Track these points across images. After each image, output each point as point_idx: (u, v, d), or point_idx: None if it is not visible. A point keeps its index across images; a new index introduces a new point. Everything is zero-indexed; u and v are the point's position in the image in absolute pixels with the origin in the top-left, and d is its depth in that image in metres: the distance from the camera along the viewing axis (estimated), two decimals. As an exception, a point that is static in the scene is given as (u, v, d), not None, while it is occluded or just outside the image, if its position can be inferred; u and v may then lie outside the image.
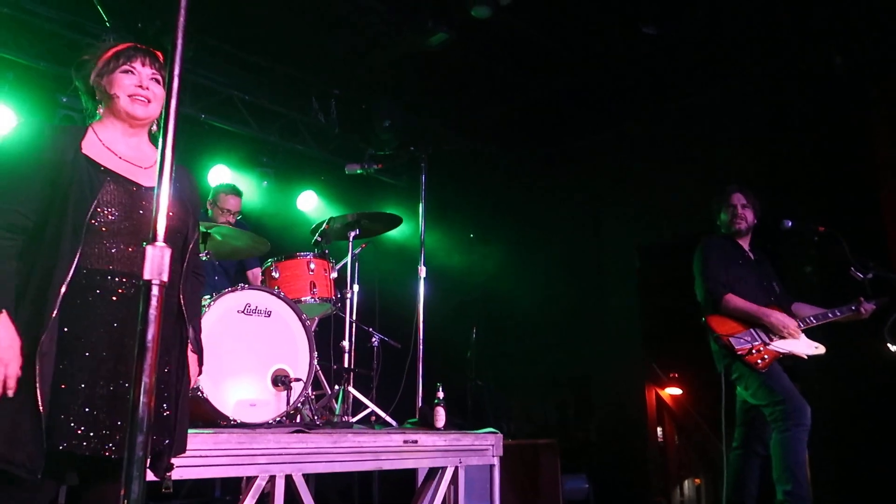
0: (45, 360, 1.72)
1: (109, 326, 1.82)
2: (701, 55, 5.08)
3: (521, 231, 7.02)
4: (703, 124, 5.71)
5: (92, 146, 1.95)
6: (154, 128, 2.11)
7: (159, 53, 2.07)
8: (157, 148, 1.98)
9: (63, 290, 1.76)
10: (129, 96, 1.98)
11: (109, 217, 1.86)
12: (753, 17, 4.71)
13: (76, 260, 1.79)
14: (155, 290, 1.25)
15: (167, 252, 1.27)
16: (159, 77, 2.02)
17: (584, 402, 6.46)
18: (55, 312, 1.74)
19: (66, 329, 1.78)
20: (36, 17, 4.67)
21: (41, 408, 1.69)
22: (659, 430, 6.30)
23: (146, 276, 1.25)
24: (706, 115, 5.69)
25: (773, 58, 5.12)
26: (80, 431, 1.73)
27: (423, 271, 4.35)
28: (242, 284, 3.46)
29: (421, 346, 4.24)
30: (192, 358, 2.12)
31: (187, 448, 2.06)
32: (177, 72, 1.36)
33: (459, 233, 6.93)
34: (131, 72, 1.99)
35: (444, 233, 6.59)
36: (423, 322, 4.25)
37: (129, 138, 2.04)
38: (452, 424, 3.79)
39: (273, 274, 3.96)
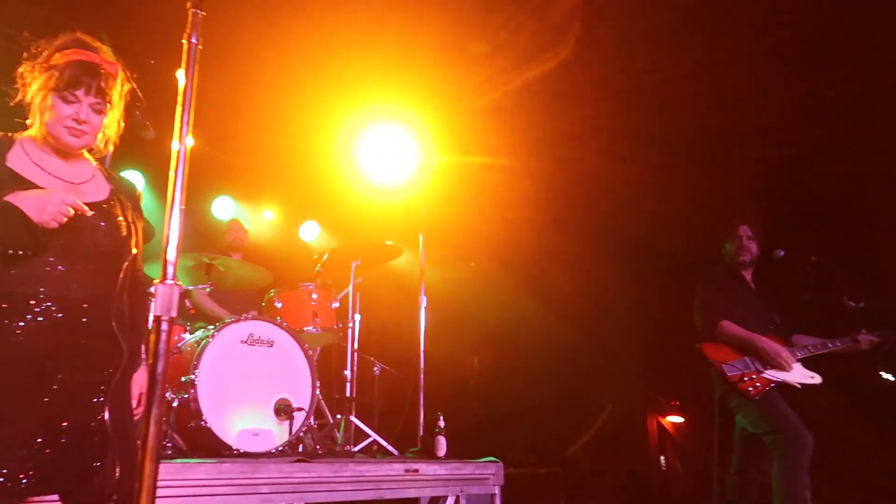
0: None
1: (38, 355, 1.68)
2: None
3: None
4: None
5: (18, 160, 1.81)
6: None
7: (112, 68, 1.90)
8: (91, 161, 1.96)
9: None
10: (66, 127, 1.82)
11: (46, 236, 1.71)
12: None
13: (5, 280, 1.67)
14: (164, 326, 1.31)
15: (176, 289, 1.33)
16: (102, 106, 1.86)
17: (585, 430, 6.46)
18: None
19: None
20: None
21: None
22: (662, 458, 6.29)
23: (156, 313, 1.31)
24: None
25: None
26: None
27: (424, 301, 4.40)
28: (246, 314, 3.52)
29: (422, 376, 4.28)
30: (136, 380, 1.93)
31: (192, 478, 2.08)
32: (186, 113, 1.43)
33: (461, 261, 6.99)
34: (72, 101, 1.82)
35: (445, 261, 6.66)
36: (425, 351, 4.30)
37: (63, 159, 1.90)
38: (453, 453, 3.82)
39: (276, 304, 4.02)
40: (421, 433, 4.18)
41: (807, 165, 5.12)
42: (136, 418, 1.89)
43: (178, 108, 1.43)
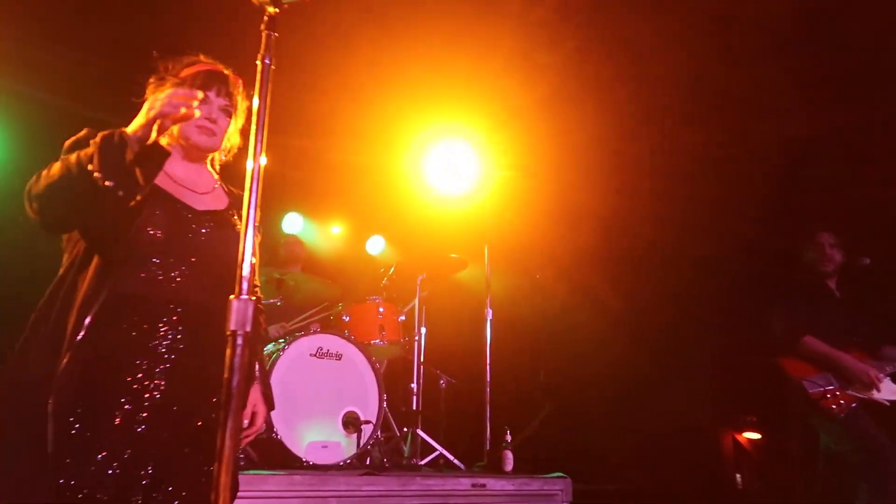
0: (64, 389, 1.55)
1: (154, 356, 1.67)
2: None
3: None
4: None
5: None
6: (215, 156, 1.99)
7: (236, 80, 1.95)
8: (213, 174, 2.00)
9: (94, 311, 1.60)
10: (197, 126, 1.85)
11: (156, 238, 1.71)
12: None
13: (110, 281, 1.65)
14: (239, 340, 1.34)
15: (251, 305, 1.36)
16: (230, 109, 1.92)
17: (656, 446, 6.27)
18: (81, 334, 1.59)
19: (93, 355, 1.59)
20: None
21: (49, 445, 1.51)
22: (738, 476, 6.05)
23: (232, 328, 1.34)
24: None
25: None
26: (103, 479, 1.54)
27: (489, 314, 4.39)
28: (315, 328, 3.58)
29: (488, 389, 4.25)
30: (255, 396, 1.96)
31: (264, 489, 2.11)
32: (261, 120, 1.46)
33: (526, 273, 6.94)
34: (203, 102, 1.80)
35: (510, 274, 6.62)
36: (491, 364, 4.27)
37: (188, 163, 1.92)
38: (520, 468, 3.77)
39: (343, 317, 4.08)
40: (487, 447, 4.15)
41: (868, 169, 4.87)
42: (245, 439, 1.91)
43: (252, 128, 1.46)
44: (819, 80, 4.61)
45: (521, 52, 4.69)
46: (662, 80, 4.84)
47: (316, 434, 3.37)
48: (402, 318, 4.23)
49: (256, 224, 1.42)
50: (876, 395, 3.41)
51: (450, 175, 5.45)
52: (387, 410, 3.79)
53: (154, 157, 1.65)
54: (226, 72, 1.95)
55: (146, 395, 1.64)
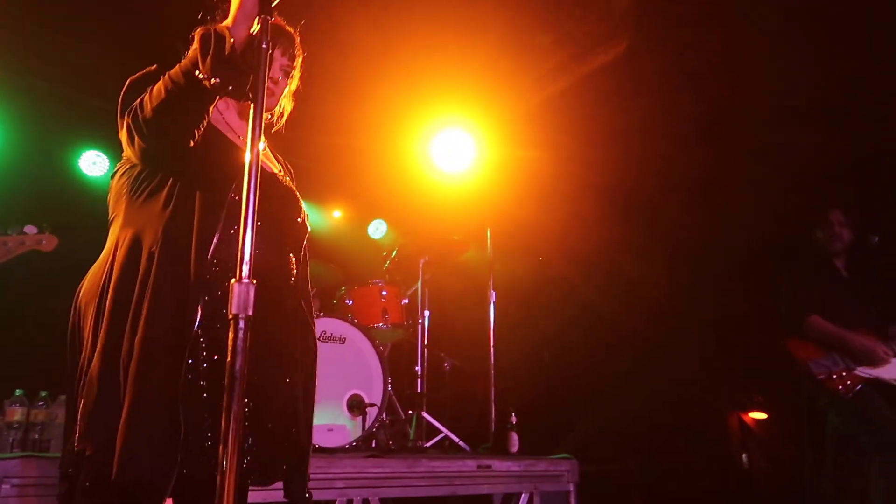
0: (186, 364, 1.52)
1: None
2: None
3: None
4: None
5: (215, 119, 1.76)
6: None
7: (296, 38, 1.88)
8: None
9: (206, 278, 1.57)
10: None
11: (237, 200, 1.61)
12: None
13: (212, 249, 1.59)
14: (241, 324, 1.32)
15: (252, 288, 1.34)
16: (290, 70, 1.86)
17: (662, 426, 6.28)
18: (199, 308, 1.55)
19: (215, 322, 1.56)
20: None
21: (182, 423, 1.49)
22: (744, 456, 6.06)
23: (234, 311, 1.32)
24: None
25: None
26: (209, 450, 1.52)
27: (493, 296, 4.37)
28: (318, 312, 3.57)
29: (492, 371, 4.25)
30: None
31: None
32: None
33: (529, 254, 6.92)
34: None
35: (513, 256, 6.60)
36: (495, 346, 4.27)
37: (242, 120, 1.87)
38: (526, 450, 3.78)
39: (346, 301, 4.07)
40: (493, 429, 4.15)
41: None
42: None
43: (251, 113, 1.43)
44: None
45: (515, 29, 4.63)
46: (662, 44, 4.76)
47: (321, 417, 3.37)
48: (406, 301, 4.22)
49: (255, 208, 1.39)
50: (885, 374, 3.40)
51: (451, 157, 5.41)
52: (391, 393, 3.79)
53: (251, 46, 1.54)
54: (289, 29, 1.88)
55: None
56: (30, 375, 3.18)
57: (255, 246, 1.54)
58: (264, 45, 1.47)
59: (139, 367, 1.51)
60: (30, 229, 2.42)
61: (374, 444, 3.61)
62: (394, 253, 4.39)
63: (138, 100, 1.59)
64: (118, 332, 1.55)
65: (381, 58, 4.64)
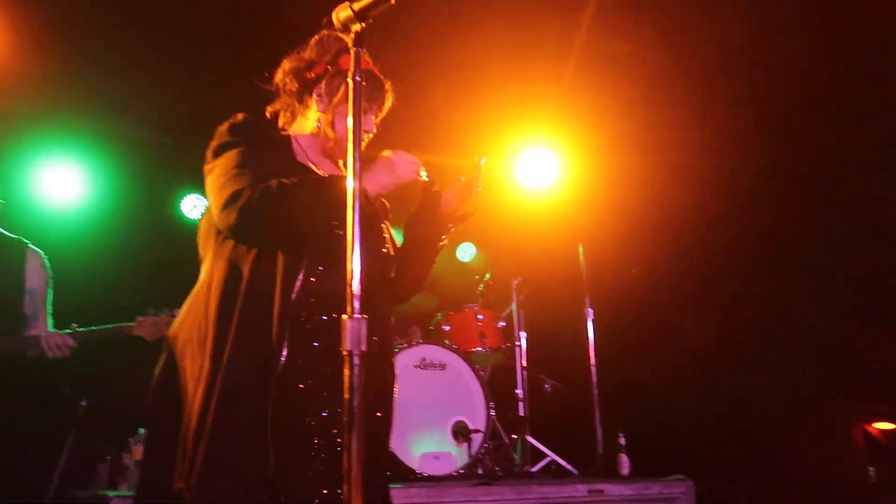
0: (276, 393, 1.56)
1: (327, 366, 1.63)
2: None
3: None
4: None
5: (301, 157, 1.82)
6: None
7: (389, 91, 1.91)
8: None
9: (290, 314, 1.60)
10: None
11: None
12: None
13: (297, 285, 1.62)
14: (356, 360, 1.33)
15: (364, 323, 1.35)
16: (377, 116, 1.91)
17: (780, 441, 5.93)
18: (286, 346, 1.58)
19: (287, 362, 1.58)
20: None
21: (270, 456, 1.53)
22: (871, 469, 5.62)
23: (347, 348, 1.33)
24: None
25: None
26: (299, 483, 1.56)
27: (590, 313, 4.27)
28: (417, 340, 3.59)
29: (595, 391, 4.13)
30: None
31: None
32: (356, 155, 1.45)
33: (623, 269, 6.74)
34: (366, 110, 1.82)
35: (608, 270, 6.45)
36: (597, 365, 4.16)
37: (327, 159, 1.90)
38: (637, 472, 3.64)
39: (443, 327, 4.07)
40: (600, 451, 4.03)
41: None
42: None
43: (350, 146, 1.45)
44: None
45: (594, 44, 4.56)
46: (761, 64, 4.60)
47: (427, 445, 3.37)
48: (502, 323, 4.18)
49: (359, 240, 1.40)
50: None
51: (535, 175, 5.37)
52: (494, 418, 3.74)
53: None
54: (379, 75, 1.89)
55: (324, 408, 1.63)
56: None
57: (342, 279, 1.57)
58: (357, 78, 1.49)
59: (227, 404, 1.54)
60: (177, 312, 2.64)
61: (480, 471, 3.57)
62: (486, 276, 4.37)
63: (246, 190, 1.60)
64: (210, 369, 1.59)
65: (464, 79, 4.68)
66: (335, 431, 1.62)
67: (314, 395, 1.63)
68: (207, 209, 1.82)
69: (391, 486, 2.63)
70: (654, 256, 6.67)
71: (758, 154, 5.32)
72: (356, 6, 1.48)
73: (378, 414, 1.75)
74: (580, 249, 4.46)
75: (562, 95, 5.02)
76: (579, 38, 4.59)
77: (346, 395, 1.31)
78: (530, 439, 4.01)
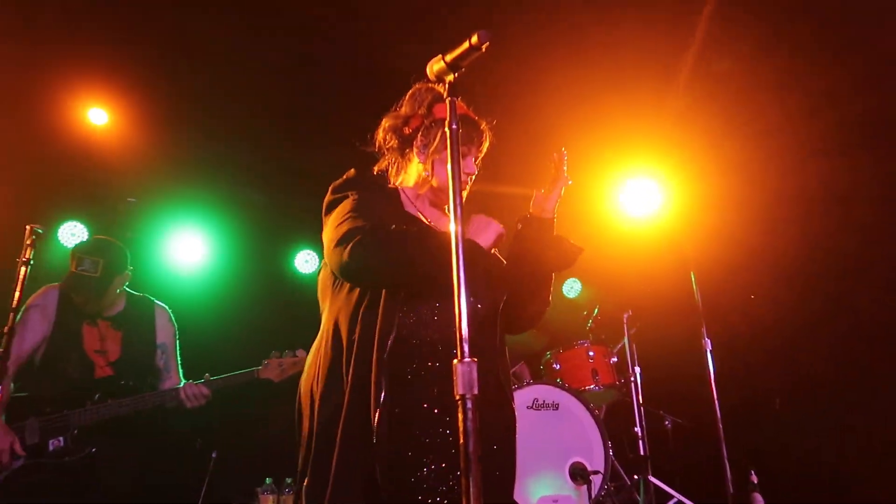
0: (380, 442, 1.61)
1: (433, 406, 1.70)
2: None
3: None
4: None
5: (409, 207, 1.91)
6: None
7: (486, 130, 1.96)
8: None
9: (386, 358, 1.65)
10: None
11: None
12: None
13: (396, 324, 1.69)
14: (469, 404, 1.33)
15: (474, 366, 1.36)
16: (478, 157, 1.95)
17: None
18: (384, 392, 1.64)
19: (394, 408, 1.65)
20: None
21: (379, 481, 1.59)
22: None
23: (460, 391, 1.34)
24: None
25: None
26: None
27: (708, 344, 4.07)
28: (528, 380, 3.55)
29: (720, 426, 3.90)
30: None
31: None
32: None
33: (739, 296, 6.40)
34: (466, 155, 1.88)
35: (723, 298, 6.14)
36: (719, 397, 3.93)
37: (433, 207, 1.97)
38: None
39: (554, 366, 4.01)
40: (731, 490, 3.78)
41: None
42: None
43: (450, 192, 1.47)
44: None
45: (700, 66, 4.46)
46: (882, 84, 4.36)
47: (545, 488, 3.30)
48: (615, 359, 4.06)
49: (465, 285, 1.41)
50: None
51: (642, 204, 5.25)
52: (613, 458, 3.62)
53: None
54: (475, 117, 1.95)
55: (434, 443, 1.68)
56: (278, 464, 3.47)
57: (447, 324, 1.71)
58: (454, 126, 1.53)
59: (340, 449, 1.64)
60: (300, 353, 2.85)
61: (599, 514, 3.45)
62: (595, 311, 4.28)
63: (358, 231, 1.70)
64: (324, 412, 1.71)
65: (565, 114, 4.67)
66: (437, 482, 1.65)
67: (419, 444, 1.67)
68: (324, 264, 1.93)
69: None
70: (771, 282, 6.31)
71: (878, 177, 4.99)
72: (448, 58, 1.53)
73: (494, 447, 1.80)
74: (692, 277, 4.28)
75: (666, 121, 4.91)
76: (685, 61, 4.50)
77: (461, 441, 1.31)
78: (653, 479, 3.83)
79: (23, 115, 4.36)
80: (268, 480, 3.44)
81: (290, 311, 4.59)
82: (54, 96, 4.37)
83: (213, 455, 4.05)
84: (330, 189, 1.90)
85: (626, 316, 4.23)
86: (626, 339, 4.20)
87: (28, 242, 2.47)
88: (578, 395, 3.60)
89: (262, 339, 3.60)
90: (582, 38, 4.30)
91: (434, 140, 1.88)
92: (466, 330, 1.40)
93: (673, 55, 4.40)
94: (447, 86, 1.56)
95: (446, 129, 1.52)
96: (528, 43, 4.23)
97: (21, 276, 2.43)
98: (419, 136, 1.91)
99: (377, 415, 1.63)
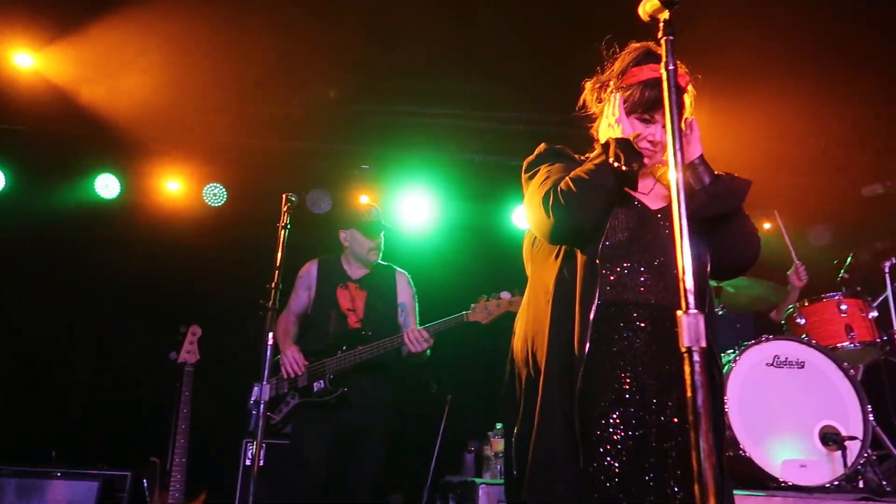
0: (582, 400, 1.66)
1: (632, 366, 1.72)
2: None
3: None
4: None
5: None
6: None
7: (681, 82, 1.81)
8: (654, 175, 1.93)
9: (591, 322, 1.68)
10: (642, 149, 1.79)
11: (619, 241, 1.77)
12: None
13: (598, 289, 1.70)
14: (696, 357, 1.28)
15: (701, 318, 1.29)
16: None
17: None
18: (587, 348, 1.67)
19: (592, 367, 1.67)
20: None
21: (580, 455, 1.64)
22: None
23: (686, 344, 1.28)
24: None
25: None
26: (609, 484, 1.63)
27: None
28: (766, 335, 3.28)
29: None
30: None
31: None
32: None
33: None
34: (648, 121, 1.81)
35: None
36: None
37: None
38: None
39: (798, 321, 3.66)
40: None
41: None
42: None
43: (669, 139, 1.40)
44: None
45: None
46: None
47: (789, 451, 3.04)
48: (874, 313, 3.58)
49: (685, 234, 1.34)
50: None
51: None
52: (874, 424, 3.22)
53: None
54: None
55: (630, 409, 1.69)
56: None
57: (654, 282, 1.74)
58: (671, 67, 1.44)
59: (542, 403, 1.71)
60: (504, 295, 3.00)
61: (862, 485, 3.10)
62: (848, 259, 3.80)
63: (552, 185, 1.77)
64: (531, 371, 1.80)
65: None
66: (639, 434, 1.68)
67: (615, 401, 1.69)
68: (528, 232, 2.02)
69: (741, 492, 2.46)
70: None
71: None
72: (661, -7, 1.45)
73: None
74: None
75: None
76: None
77: (689, 394, 1.26)
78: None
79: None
80: (498, 425, 3.63)
81: (503, 258, 4.82)
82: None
83: (448, 398, 4.38)
84: (524, 164, 1.98)
85: (888, 265, 3.69)
86: (888, 292, 3.67)
87: (284, 209, 2.85)
88: (829, 352, 3.24)
89: (476, 282, 3.82)
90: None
91: (625, 102, 1.82)
92: (691, 281, 1.33)
93: None
94: (661, 25, 1.47)
95: (662, 72, 1.44)
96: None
97: (281, 239, 2.81)
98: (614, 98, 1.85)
99: (580, 374, 1.67)
